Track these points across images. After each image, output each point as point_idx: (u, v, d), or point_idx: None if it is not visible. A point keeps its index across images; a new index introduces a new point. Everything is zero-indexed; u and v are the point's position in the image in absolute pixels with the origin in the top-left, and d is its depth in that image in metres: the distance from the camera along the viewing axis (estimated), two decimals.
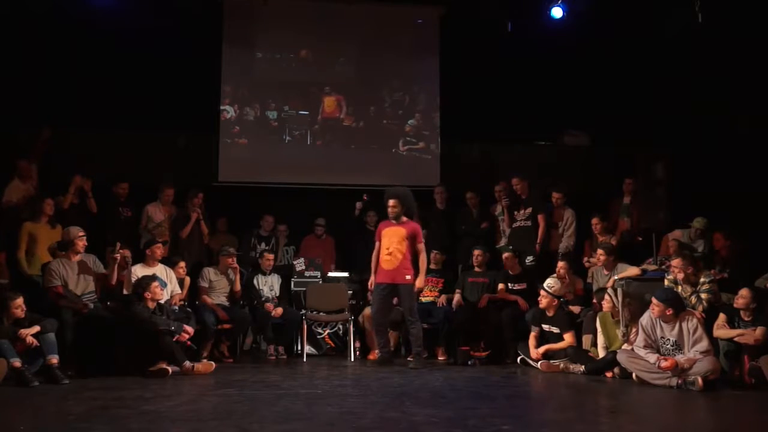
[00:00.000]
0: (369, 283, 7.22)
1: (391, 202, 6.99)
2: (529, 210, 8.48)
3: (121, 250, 6.77)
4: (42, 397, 5.23)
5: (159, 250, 7.16)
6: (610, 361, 6.19)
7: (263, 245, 8.71)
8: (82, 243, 6.68)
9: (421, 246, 7.01)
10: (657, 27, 9.31)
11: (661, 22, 9.21)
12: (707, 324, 5.97)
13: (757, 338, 5.74)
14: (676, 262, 6.37)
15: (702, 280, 6.29)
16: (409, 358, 7.34)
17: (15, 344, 5.66)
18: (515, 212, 8.56)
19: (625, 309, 6.31)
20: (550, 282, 7.04)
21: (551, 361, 6.68)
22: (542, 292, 6.97)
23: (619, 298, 6.42)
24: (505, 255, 7.88)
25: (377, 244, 7.07)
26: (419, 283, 7.00)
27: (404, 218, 7.01)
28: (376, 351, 7.64)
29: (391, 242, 6.91)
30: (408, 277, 6.87)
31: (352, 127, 9.97)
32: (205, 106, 9.40)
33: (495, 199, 8.94)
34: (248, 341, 8.27)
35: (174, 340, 6.30)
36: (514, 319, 7.36)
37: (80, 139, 9.03)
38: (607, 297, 6.56)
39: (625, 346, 6.18)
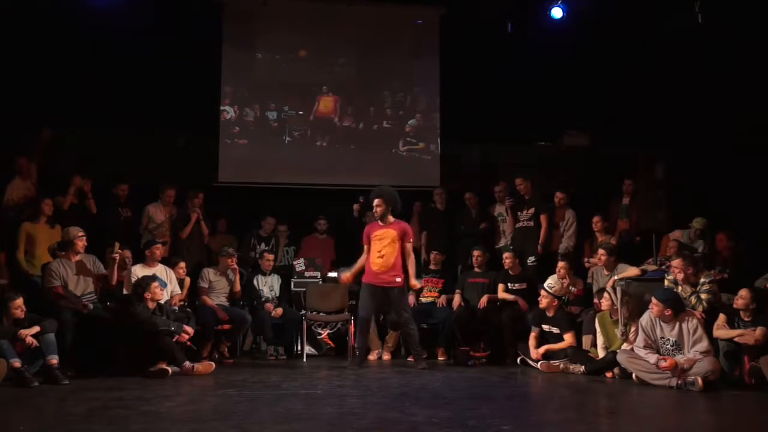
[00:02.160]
0: (341, 279, 7.14)
1: (375, 201, 6.79)
2: (532, 210, 8.47)
3: (119, 251, 6.76)
4: (42, 398, 5.23)
5: (159, 251, 7.17)
6: (610, 361, 6.19)
7: (263, 246, 8.71)
8: (81, 243, 6.68)
9: (410, 246, 6.81)
10: (657, 27, 9.31)
11: (661, 22, 9.20)
12: (707, 324, 5.97)
13: (757, 338, 5.73)
14: (676, 262, 6.36)
15: (702, 280, 6.28)
16: (409, 359, 7.34)
17: (15, 345, 5.66)
18: (518, 212, 8.56)
19: (624, 307, 6.30)
20: (550, 282, 7.04)
21: (551, 362, 6.68)
22: (542, 292, 6.97)
23: (618, 296, 6.42)
24: (505, 255, 7.88)
25: (365, 247, 6.85)
26: (415, 282, 6.92)
27: (391, 218, 6.81)
28: (376, 351, 7.66)
29: (383, 245, 6.72)
30: (398, 279, 6.71)
31: (352, 127, 9.97)
32: (205, 106, 9.40)
33: (494, 199, 8.94)
34: (248, 342, 8.27)
35: (174, 340, 6.30)
36: (514, 320, 7.35)
37: (80, 139, 9.02)
38: (606, 295, 6.56)
39: (624, 346, 6.18)
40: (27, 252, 7.28)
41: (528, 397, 5.64)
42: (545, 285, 7.02)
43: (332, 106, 9.93)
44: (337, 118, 9.93)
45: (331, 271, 8.50)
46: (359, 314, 6.88)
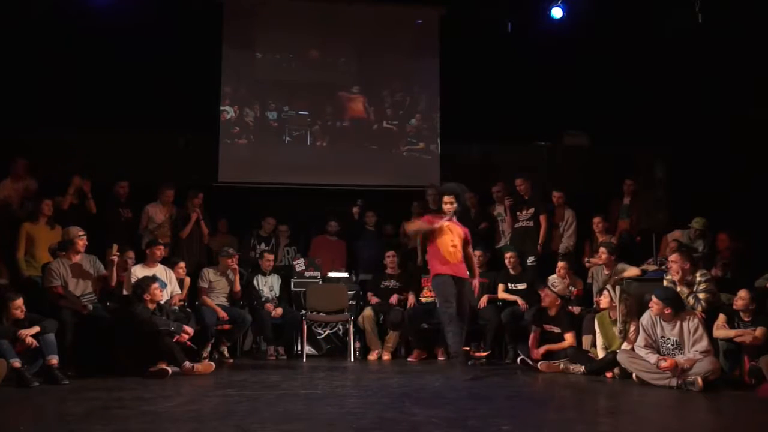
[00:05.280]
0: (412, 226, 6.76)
1: (453, 198, 6.45)
2: (532, 210, 8.47)
3: (117, 253, 6.74)
4: (42, 398, 5.23)
5: (159, 251, 7.16)
6: (610, 361, 6.19)
7: (263, 246, 8.70)
8: (82, 243, 6.68)
9: (470, 249, 6.64)
10: (657, 27, 9.31)
11: (661, 22, 9.20)
12: (707, 324, 5.97)
13: (756, 338, 5.74)
14: (674, 256, 6.35)
15: (698, 279, 6.26)
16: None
17: (15, 345, 5.66)
18: (517, 212, 8.56)
19: (622, 305, 6.30)
20: (554, 281, 7.03)
21: (551, 362, 6.68)
22: (546, 291, 6.96)
23: (617, 294, 6.41)
24: (508, 255, 7.87)
25: (426, 224, 6.44)
26: (477, 283, 6.69)
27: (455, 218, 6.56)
28: (376, 351, 7.66)
29: (454, 239, 6.41)
30: (468, 273, 6.55)
31: (353, 127, 9.97)
32: (205, 106, 9.40)
33: (494, 199, 8.93)
34: (248, 342, 8.26)
35: (174, 340, 6.30)
36: (514, 320, 7.36)
37: (80, 139, 9.02)
38: (605, 293, 6.56)
39: (624, 345, 6.18)
40: (27, 252, 7.26)
41: (528, 397, 5.63)
42: (549, 283, 7.01)
43: (362, 106, 9.91)
44: (370, 117, 9.91)
45: (334, 272, 8.50)
46: (448, 309, 6.23)
